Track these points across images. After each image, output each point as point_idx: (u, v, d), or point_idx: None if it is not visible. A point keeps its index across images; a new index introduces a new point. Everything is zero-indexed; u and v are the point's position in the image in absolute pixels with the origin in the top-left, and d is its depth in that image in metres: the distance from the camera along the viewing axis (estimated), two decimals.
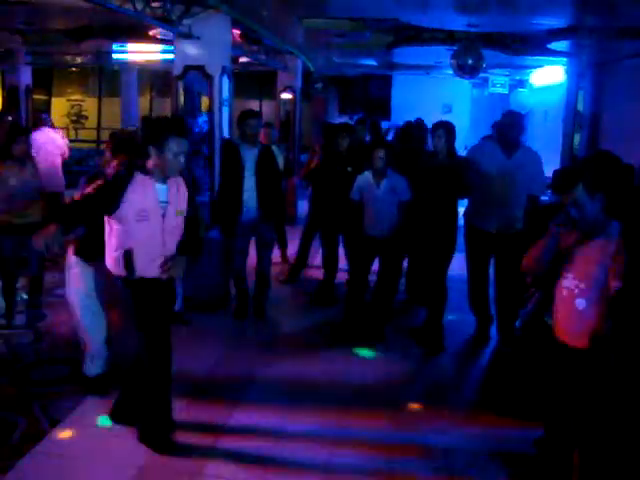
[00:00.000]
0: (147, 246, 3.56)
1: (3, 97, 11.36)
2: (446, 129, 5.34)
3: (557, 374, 3.25)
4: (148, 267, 3.59)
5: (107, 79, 18.39)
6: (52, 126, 9.03)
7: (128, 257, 3.54)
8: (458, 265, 5.72)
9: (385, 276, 5.61)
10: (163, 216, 3.58)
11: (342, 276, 6.57)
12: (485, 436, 4.03)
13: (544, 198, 5.56)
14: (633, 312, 2.96)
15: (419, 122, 6.94)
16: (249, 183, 5.70)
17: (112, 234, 3.59)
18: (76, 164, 12.61)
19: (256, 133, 5.81)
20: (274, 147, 6.41)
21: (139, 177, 3.54)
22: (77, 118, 19.45)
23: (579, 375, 3.10)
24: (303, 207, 8.59)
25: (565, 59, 9.96)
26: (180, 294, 5.63)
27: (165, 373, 3.74)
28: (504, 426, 4.12)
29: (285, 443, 3.87)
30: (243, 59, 9.74)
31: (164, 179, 3.60)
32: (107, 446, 3.76)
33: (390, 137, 7.98)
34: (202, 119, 7.59)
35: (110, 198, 3.48)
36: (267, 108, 16.20)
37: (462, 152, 5.94)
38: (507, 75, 13.91)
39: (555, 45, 8.28)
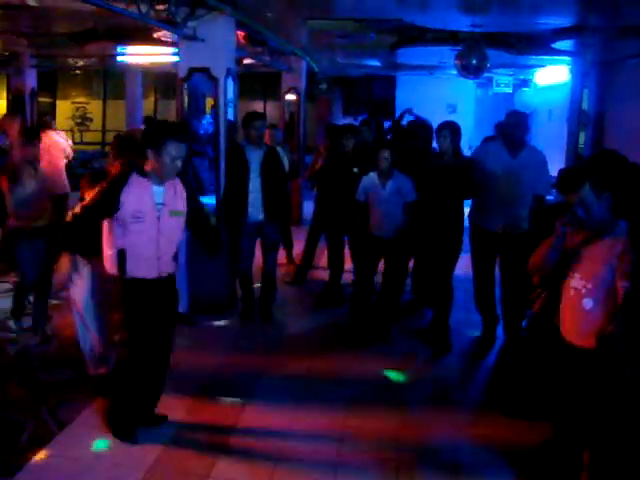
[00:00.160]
0: (141, 247, 3.60)
1: (8, 100, 11.39)
2: (451, 129, 5.33)
3: (564, 374, 3.24)
4: (141, 268, 3.63)
5: (111, 81, 18.43)
6: (55, 129, 9.07)
7: (121, 257, 3.59)
8: (464, 265, 5.71)
9: (391, 277, 5.61)
10: (158, 218, 3.61)
11: (348, 277, 6.58)
12: (492, 436, 4.02)
13: (549, 198, 5.55)
14: None
15: (423, 122, 6.90)
16: (254, 184, 5.71)
17: (108, 233, 3.65)
18: (81, 166, 12.65)
19: (261, 135, 5.83)
20: (279, 148, 6.42)
21: (136, 179, 3.58)
22: (82, 120, 19.51)
23: (586, 375, 3.10)
24: (308, 208, 8.60)
25: (569, 58, 9.92)
26: (186, 295, 5.65)
27: (151, 370, 3.81)
28: (511, 426, 4.11)
29: (293, 443, 3.88)
30: (247, 60, 9.73)
31: (161, 181, 3.63)
32: (115, 447, 3.77)
33: (390, 137, 7.93)
34: (207, 120, 7.60)
35: (108, 203, 3.53)
36: (271, 109, 16.25)
37: (467, 152, 5.94)
38: (511, 75, 13.87)
39: (559, 44, 8.24)
